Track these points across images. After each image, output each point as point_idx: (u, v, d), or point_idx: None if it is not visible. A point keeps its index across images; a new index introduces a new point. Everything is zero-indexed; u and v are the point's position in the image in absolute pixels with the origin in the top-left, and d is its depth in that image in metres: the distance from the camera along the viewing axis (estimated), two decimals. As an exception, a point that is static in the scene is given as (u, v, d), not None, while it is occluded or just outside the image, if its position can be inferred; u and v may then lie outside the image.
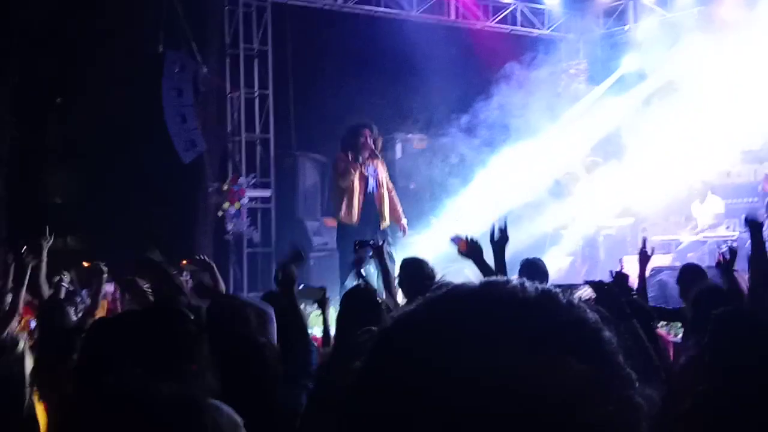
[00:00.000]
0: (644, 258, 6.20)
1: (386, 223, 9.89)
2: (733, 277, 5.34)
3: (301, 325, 4.10)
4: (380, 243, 6.26)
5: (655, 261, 11.67)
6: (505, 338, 0.85)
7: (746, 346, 3.18)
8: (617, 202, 12.85)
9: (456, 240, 5.49)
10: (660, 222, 13.19)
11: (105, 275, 5.98)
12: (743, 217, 5.70)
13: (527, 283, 0.91)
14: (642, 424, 0.87)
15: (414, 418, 0.83)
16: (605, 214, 12.79)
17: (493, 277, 0.96)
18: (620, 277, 5.01)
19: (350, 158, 9.77)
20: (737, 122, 12.42)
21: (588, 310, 0.91)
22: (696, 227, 12.29)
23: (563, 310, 0.89)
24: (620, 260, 10.85)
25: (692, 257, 11.55)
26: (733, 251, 5.49)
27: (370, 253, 6.40)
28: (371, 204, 9.81)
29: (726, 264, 5.44)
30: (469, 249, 5.20)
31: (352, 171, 9.70)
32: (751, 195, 12.34)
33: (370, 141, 9.83)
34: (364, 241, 6.71)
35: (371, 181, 9.82)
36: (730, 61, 12.42)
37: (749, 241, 5.15)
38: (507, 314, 0.87)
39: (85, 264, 7.06)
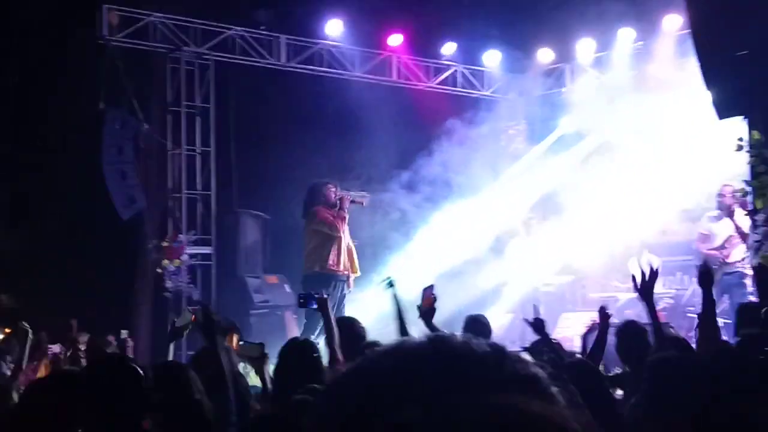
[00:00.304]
0: (604, 317, 5.98)
1: (357, 273, 10.55)
2: (653, 308, 5.20)
3: (221, 372, 4.00)
4: (325, 295, 6.20)
5: (594, 317, 11.86)
6: (461, 388, 0.84)
7: (681, 388, 3.26)
8: (557, 259, 13.02)
9: (428, 292, 5.54)
10: (599, 279, 13.39)
11: (30, 336, 5.87)
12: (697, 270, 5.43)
13: (474, 339, 0.91)
14: None
15: None
16: (545, 271, 12.94)
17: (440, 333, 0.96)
18: (537, 323, 5.11)
19: (332, 211, 10.39)
20: (672, 181, 12.76)
21: (536, 366, 0.91)
22: (633, 284, 12.46)
23: (516, 364, 0.89)
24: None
25: (630, 314, 11.71)
26: (653, 273, 5.23)
27: (314, 306, 6.34)
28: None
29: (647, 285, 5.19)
30: (428, 309, 5.29)
31: (341, 222, 10.37)
32: (686, 253, 12.61)
33: (337, 196, 10.53)
34: (308, 294, 6.65)
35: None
36: (665, 122, 12.80)
37: (685, 298, 5.21)
38: (461, 366, 0.87)
39: (7, 330, 6.92)
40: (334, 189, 10.59)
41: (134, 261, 11.95)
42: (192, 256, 11.98)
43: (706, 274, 5.09)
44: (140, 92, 11.92)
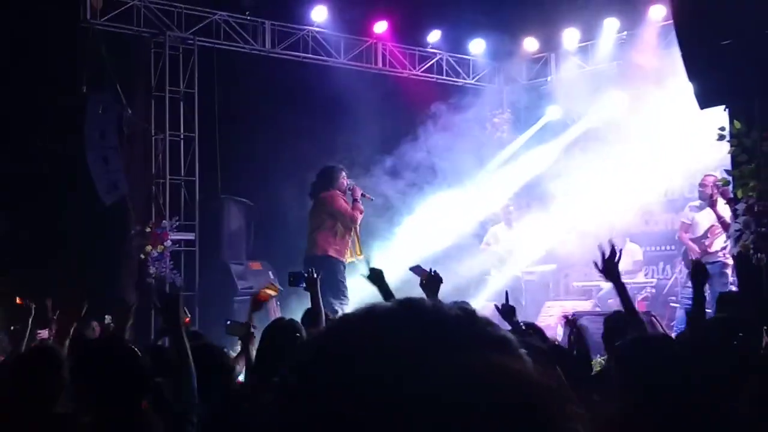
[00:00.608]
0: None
1: (361, 256, 10.53)
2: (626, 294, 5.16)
3: (185, 353, 3.97)
4: (315, 275, 6.18)
5: (576, 306, 11.95)
6: (436, 348, 0.86)
7: (648, 369, 3.30)
8: (540, 247, 13.07)
9: (417, 270, 5.56)
10: (582, 268, 13.45)
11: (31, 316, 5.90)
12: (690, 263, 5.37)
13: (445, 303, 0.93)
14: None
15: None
16: (528, 259, 12.99)
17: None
18: (506, 309, 5.14)
19: (350, 203, 10.49)
20: (656, 171, 12.83)
21: (503, 330, 0.93)
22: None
23: (486, 327, 0.91)
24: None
25: (612, 303, 11.79)
26: (613, 251, 5.14)
27: (303, 285, 6.35)
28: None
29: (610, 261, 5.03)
30: (430, 281, 5.30)
31: (359, 215, 10.55)
32: (668, 243, 12.70)
33: (348, 184, 10.65)
34: (299, 273, 6.63)
35: None
36: (649, 112, 12.86)
37: (667, 287, 5.22)
38: (434, 327, 0.89)
39: (18, 300, 6.89)
40: (345, 175, 10.73)
41: (118, 247, 11.92)
42: (175, 242, 11.95)
43: (699, 273, 5.06)
44: (124, 77, 11.85)
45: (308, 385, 0.88)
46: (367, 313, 0.93)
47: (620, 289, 4.91)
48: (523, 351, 0.91)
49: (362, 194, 10.71)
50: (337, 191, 10.49)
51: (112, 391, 3.36)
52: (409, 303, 0.93)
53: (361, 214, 10.53)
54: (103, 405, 3.34)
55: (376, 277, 5.49)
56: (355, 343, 0.89)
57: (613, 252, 4.80)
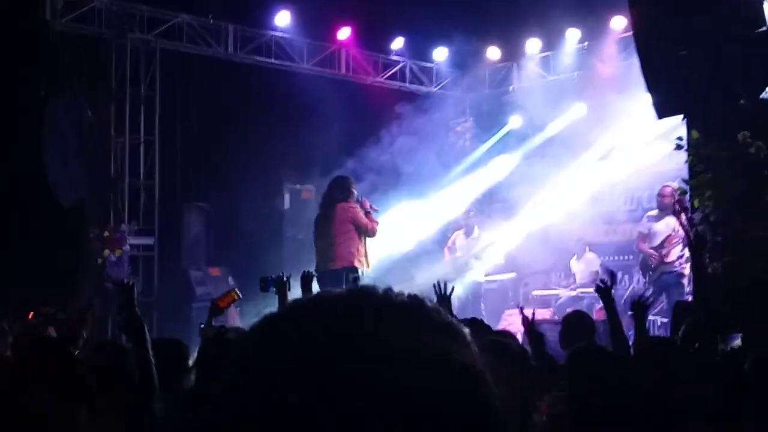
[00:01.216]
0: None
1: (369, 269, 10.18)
2: (612, 303, 5.45)
3: (145, 343, 3.97)
4: (285, 277, 6.13)
5: (535, 314, 12.01)
6: (388, 333, 0.87)
7: (593, 377, 3.39)
8: (499, 255, 13.13)
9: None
10: (541, 277, 13.54)
11: None
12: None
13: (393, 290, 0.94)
14: (498, 426, 0.89)
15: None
16: (487, 267, 13.04)
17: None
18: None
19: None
20: (615, 181, 12.97)
21: (450, 317, 0.94)
22: (574, 283, 12.65)
23: (433, 313, 0.92)
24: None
25: (570, 311, 11.87)
26: (612, 274, 5.72)
27: (273, 290, 6.31)
28: None
29: (605, 289, 5.50)
30: (440, 299, 5.43)
31: (377, 227, 10.09)
32: (627, 253, 12.81)
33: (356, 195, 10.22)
34: (269, 277, 6.57)
35: None
36: (610, 121, 13.01)
37: (625, 297, 5.36)
38: (385, 313, 0.90)
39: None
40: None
41: (75, 250, 11.76)
42: (134, 246, 11.83)
43: (639, 308, 5.46)
44: (84, 78, 11.72)
45: (256, 367, 0.88)
46: (316, 297, 0.94)
47: (610, 309, 5.28)
48: (469, 338, 0.93)
49: (370, 205, 10.43)
50: (352, 204, 10.05)
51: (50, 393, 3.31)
52: (359, 289, 0.95)
53: (377, 225, 10.13)
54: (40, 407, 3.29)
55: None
56: (304, 324, 0.89)
57: (612, 279, 5.47)
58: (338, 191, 10.05)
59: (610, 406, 3.26)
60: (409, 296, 0.94)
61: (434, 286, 5.78)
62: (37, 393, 3.31)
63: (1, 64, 11.16)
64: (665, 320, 10.02)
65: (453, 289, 5.71)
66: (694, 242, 5.59)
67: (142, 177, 12.24)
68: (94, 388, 3.58)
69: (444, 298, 5.68)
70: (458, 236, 13.18)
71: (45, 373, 3.37)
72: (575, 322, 6.19)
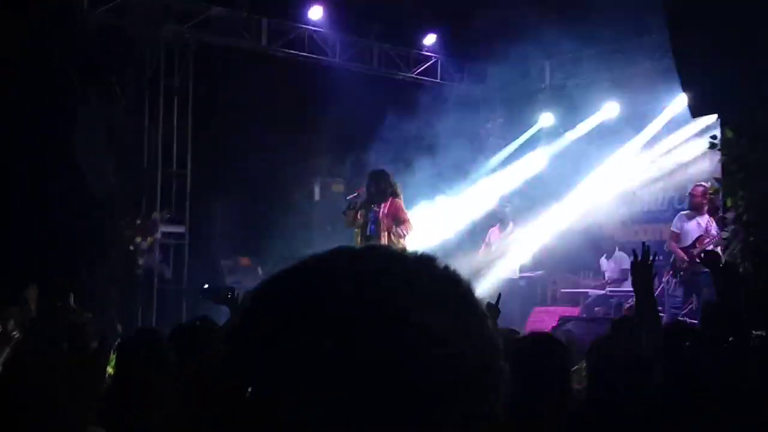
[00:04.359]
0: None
1: None
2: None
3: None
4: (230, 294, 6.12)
5: (564, 312, 11.99)
6: (395, 290, 0.88)
7: (612, 370, 3.38)
8: (530, 253, 13.10)
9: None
10: (569, 275, 13.51)
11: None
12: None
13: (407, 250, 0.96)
14: (501, 388, 0.91)
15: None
16: (517, 264, 13.01)
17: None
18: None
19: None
20: (646, 180, 12.91)
21: (461, 276, 0.96)
22: (603, 281, 12.61)
23: (440, 271, 0.94)
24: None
25: (599, 311, 11.85)
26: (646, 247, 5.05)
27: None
28: None
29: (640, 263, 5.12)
30: (489, 311, 5.37)
31: None
32: (657, 253, 12.73)
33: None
34: (206, 290, 6.51)
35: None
36: (642, 121, 12.97)
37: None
38: (392, 271, 0.91)
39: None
40: None
41: (107, 237, 11.89)
42: (165, 234, 11.94)
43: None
44: (119, 69, 11.84)
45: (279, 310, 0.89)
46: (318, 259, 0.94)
47: (643, 294, 4.78)
48: (476, 297, 0.95)
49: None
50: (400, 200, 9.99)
51: None
52: (373, 246, 0.98)
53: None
54: None
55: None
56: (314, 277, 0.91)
57: (646, 254, 4.65)
58: (389, 185, 9.99)
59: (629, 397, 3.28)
60: (421, 253, 0.96)
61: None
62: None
63: (36, 53, 11.32)
64: (695, 322, 9.96)
65: (500, 296, 5.58)
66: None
67: (174, 166, 12.36)
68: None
69: (492, 306, 5.60)
70: (493, 232, 13.15)
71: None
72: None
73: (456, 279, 0.94)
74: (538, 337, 3.85)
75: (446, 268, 0.95)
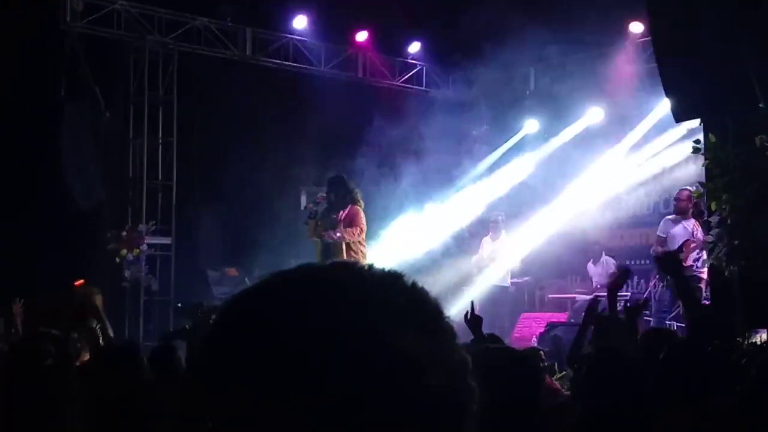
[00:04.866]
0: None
1: None
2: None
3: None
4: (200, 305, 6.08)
5: (551, 318, 12.01)
6: (357, 312, 0.87)
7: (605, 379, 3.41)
8: (516, 259, 13.11)
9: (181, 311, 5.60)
10: (557, 281, 13.54)
11: None
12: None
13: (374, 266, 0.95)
14: (472, 406, 0.90)
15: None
16: (505, 270, 13.01)
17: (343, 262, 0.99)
18: (473, 319, 5.27)
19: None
20: (631, 185, 12.96)
21: (429, 294, 0.94)
22: (591, 286, 12.63)
23: (407, 289, 0.93)
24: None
25: (587, 315, 11.86)
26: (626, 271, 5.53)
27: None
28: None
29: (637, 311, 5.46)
30: (471, 321, 5.44)
31: None
32: (643, 258, 12.77)
33: None
34: (179, 308, 6.50)
35: None
36: (626, 125, 13.02)
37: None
38: (360, 289, 0.90)
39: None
40: None
41: (93, 250, 11.85)
42: (151, 246, 11.91)
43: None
44: (103, 80, 11.82)
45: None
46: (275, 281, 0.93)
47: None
48: (445, 317, 0.93)
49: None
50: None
51: None
52: (340, 265, 0.96)
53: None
54: None
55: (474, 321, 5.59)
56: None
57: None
58: (351, 191, 9.84)
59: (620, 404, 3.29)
60: (388, 271, 0.94)
61: (464, 315, 5.75)
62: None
63: (20, 65, 11.28)
64: (682, 325, 9.99)
65: (473, 303, 5.64)
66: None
67: (160, 178, 12.33)
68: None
69: (474, 320, 5.64)
70: (486, 241, 13.14)
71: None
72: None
73: (423, 297, 0.93)
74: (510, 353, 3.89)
75: (414, 285, 0.93)
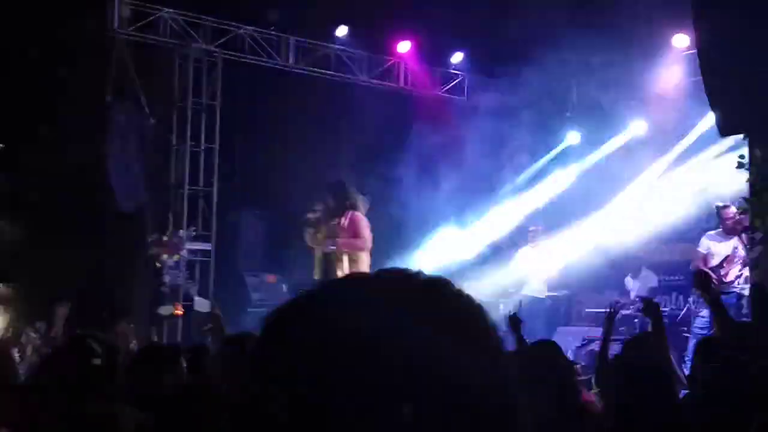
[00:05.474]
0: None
1: None
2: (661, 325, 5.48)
3: None
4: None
5: (588, 332, 11.91)
6: (401, 319, 0.88)
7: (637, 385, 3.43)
8: (554, 272, 13.04)
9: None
10: (594, 294, 13.42)
11: None
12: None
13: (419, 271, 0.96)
14: (521, 418, 0.90)
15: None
16: (544, 283, 12.95)
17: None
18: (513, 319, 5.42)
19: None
20: (673, 199, 12.84)
21: (474, 300, 0.95)
22: (629, 301, 12.51)
23: (454, 295, 0.94)
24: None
25: (623, 330, 11.75)
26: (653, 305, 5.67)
27: None
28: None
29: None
30: (512, 322, 5.62)
31: None
32: (682, 273, 12.64)
33: None
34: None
35: None
36: (669, 140, 12.91)
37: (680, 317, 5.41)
38: (404, 296, 0.91)
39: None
40: None
41: (134, 254, 11.98)
42: (191, 251, 12.01)
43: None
44: (147, 86, 11.97)
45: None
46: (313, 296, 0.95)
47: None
48: (491, 325, 0.94)
49: None
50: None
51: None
52: (389, 273, 0.97)
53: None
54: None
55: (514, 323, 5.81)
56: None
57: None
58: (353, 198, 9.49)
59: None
60: (433, 277, 0.95)
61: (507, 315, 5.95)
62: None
63: (68, 69, 11.46)
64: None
65: (521, 303, 5.89)
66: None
67: (201, 183, 12.44)
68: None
69: (514, 320, 5.80)
70: (525, 251, 13.08)
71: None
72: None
73: (470, 304, 0.94)
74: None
75: (460, 292, 0.95)
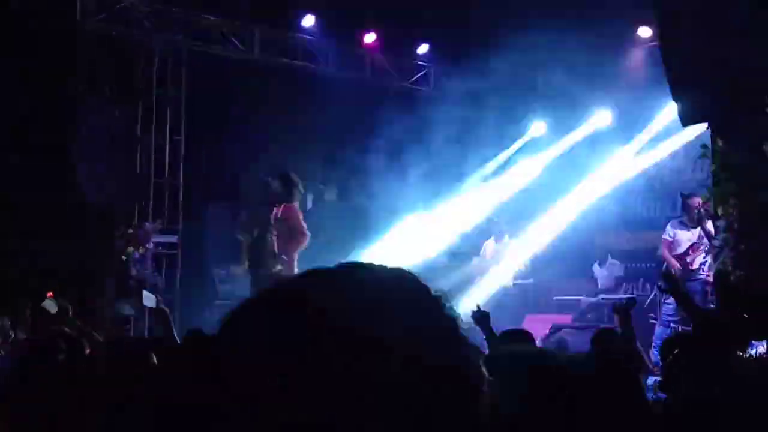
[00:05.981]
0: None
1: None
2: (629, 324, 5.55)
3: None
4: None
5: (556, 320, 12.01)
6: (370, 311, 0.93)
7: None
8: (521, 261, 13.12)
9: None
10: (562, 283, 13.53)
11: None
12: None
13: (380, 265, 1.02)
14: (482, 388, 0.95)
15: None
16: (511, 272, 13.03)
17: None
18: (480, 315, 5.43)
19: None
20: (637, 188, 12.96)
21: (431, 290, 1.01)
22: (596, 288, 12.64)
23: (414, 283, 1.00)
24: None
25: (591, 317, 11.87)
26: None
27: None
28: None
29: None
30: (478, 319, 5.60)
31: None
32: (648, 260, 12.78)
33: None
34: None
35: None
36: (633, 129, 13.03)
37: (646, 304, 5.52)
38: (370, 287, 0.97)
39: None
40: None
41: (99, 247, 11.87)
42: (158, 244, 11.93)
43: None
44: (114, 78, 11.85)
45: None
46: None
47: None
48: (447, 310, 1.00)
49: None
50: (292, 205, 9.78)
51: None
52: (354, 266, 1.02)
53: None
54: None
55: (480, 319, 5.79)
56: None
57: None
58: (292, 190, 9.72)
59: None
60: (395, 269, 1.01)
61: (472, 312, 5.93)
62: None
63: (34, 63, 11.32)
64: (688, 329, 9.99)
65: (480, 309, 5.84)
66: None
67: (167, 175, 12.35)
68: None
69: (480, 316, 5.80)
70: (489, 244, 13.16)
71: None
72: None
73: (427, 294, 0.99)
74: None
75: (418, 282, 1.00)
